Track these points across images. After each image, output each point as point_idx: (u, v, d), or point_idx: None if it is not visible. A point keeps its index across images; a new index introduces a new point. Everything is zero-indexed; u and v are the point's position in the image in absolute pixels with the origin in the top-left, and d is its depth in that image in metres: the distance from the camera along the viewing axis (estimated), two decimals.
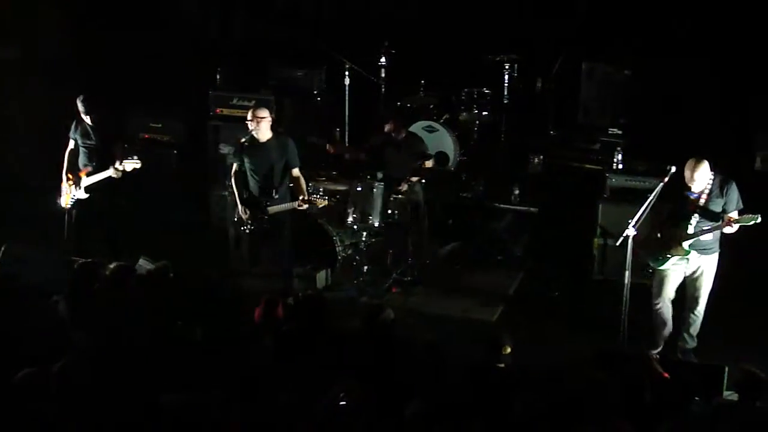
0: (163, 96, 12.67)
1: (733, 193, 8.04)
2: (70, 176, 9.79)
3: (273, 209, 9.05)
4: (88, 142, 9.75)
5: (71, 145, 9.88)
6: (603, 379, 6.15)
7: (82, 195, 9.75)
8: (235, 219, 9.35)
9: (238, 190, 9.24)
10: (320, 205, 9.02)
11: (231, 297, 9.23)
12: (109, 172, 9.52)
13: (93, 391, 5.89)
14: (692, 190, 7.98)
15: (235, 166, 9.29)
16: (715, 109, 11.59)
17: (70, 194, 9.78)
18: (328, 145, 11.12)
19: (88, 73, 12.53)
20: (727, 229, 7.92)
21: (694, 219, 8.04)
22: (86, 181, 9.69)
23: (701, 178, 7.93)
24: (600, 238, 9.90)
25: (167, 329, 7.03)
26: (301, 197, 8.94)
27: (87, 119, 9.68)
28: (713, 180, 8.00)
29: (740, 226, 7.87)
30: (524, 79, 12.62)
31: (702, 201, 8.02)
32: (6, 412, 5.71)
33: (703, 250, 8.15)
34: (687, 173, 7.93)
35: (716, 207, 8.03)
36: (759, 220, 7.77)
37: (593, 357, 7.33)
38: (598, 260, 9.98)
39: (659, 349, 8.45)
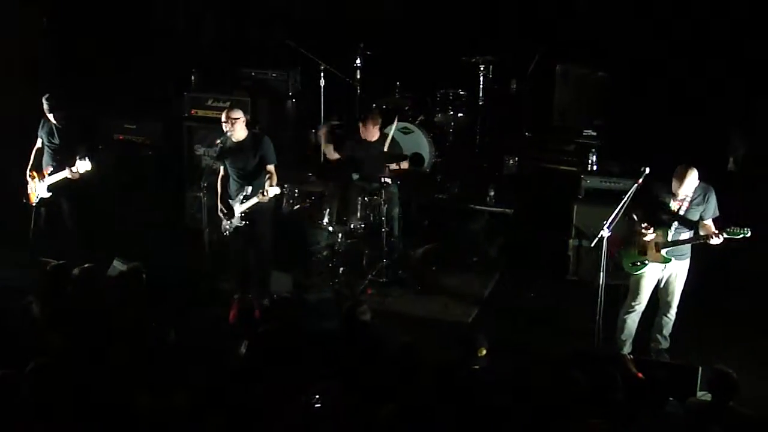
0: (138, 97, 12.62)
1: (712, 200, 8.04)
2: (33, 174, 9.88)
3: (239, 209, 9.02)
4: (53, 141, 9.84)
5: (38, 143, 9.96)
6: (578, 379, 6.18)
7: (44, 194, 9.81)
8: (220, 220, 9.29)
9: (221, 194, 9.20)
10: (272, 194, 8.91)
11: (206, 298, 9.23)
12: (65, 173, 9.60)
13: (66, 393, 5.86)
14: (678, 197, 7.97)
15: (222, 169, 9.26)
16: (688, 110, 11.65)
17: (35, 192, 9.83)
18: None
19: (63, 73, 12.48)
20: (713, 240, 7.89)
21: (673, 227, 8.06)
22: (48, 180, 9.74)
23: (689, 186, 7.91)
24: (575, 240, 9.94)
25: (140, 330, 6.98)
26: (261, 190, 8.92)
27: (51, 118, 9.72)
28: (695, 187, 8.00)
29: (725, 238, 7.83)
30: (499, 80, 12.63)
31: (683, 209, 8.03)
32: None
33: (679, 256, 8.18)
34: (676, 181, 7.90)
35: (695, 214, 8.03)
36: (749, 234, 7.76)
37: (568, 357, 7.36)
38: (572, 261, 10.02)
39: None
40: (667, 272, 8.25)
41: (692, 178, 7.89)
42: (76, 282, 7.41)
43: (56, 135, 9.81)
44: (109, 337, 6.80)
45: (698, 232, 8.02)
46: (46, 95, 9.77)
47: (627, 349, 8.39)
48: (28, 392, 5.75)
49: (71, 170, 9.55)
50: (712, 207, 8.05)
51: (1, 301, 7.42)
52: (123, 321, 7.09)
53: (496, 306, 9.74)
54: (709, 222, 8.02)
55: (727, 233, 7.80)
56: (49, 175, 9.76)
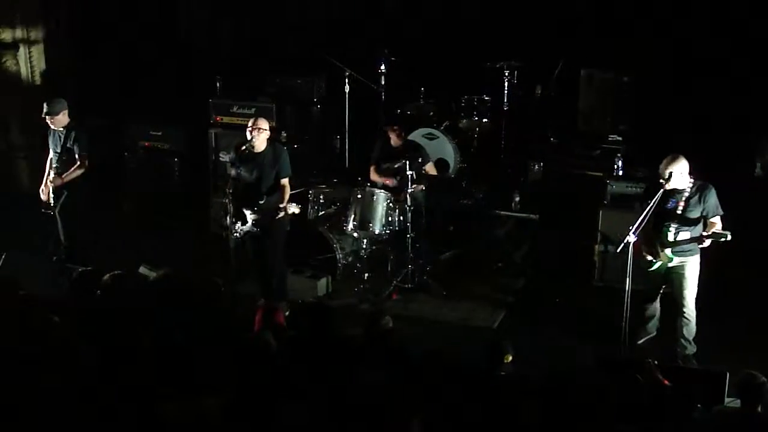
0: (163, 104, 12.70)
1: (711, 198, 8.06)
2: (48, 183, 9.95)
3: (252, 217, 9.03)
4: (55, 149, 9.92)
5: (50, 153, 10.03)
6: (604, 385, 6.15)
7: (53, 201, 9.89)
8: (228, 224, 9.31)
9: (231, 197, 9.20)
10: (290, 211, 8.94)
11: (231, 304, 9.24)
12: (57, 182, 9.78)
13: (91, 399, 5.90)
14: (666, 187, 7.95)
15: (233, 172, 9.26)
16: (714, 115, 11.60)
17: (50, 200, 9.94)
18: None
19: (89, 81, 12.58)
20: (702, 244, 7.96)
21: (674, 226, 8.08)
22: (52, 187, 9.84)
23: (675, 175, 7.94)
24: (600, 245, 9.90)
25: (167, 337, 7.01)
26: (281, 206, 8.92)
27: (49, 122, 9.78)
28: (692, 186, 8.04)
29: (712, 241, 7.87)
30: (524, 85, 12.63)
31: (680, 208, 8.05)
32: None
33: (682, 252, 8.20)
34: (661, 167, 7.96)
35: (694, 213, 8.06)
36: (729, 237, 7.76)
37: (594, 364, 7.33)
38: (598, 267, 9.98)
39: (642, 341, 8.63)
40: (674, 270, 8.28)
41: (677, 167, 7.93)
42: (106, 288, 7.43)
43: (58, 143, 9.91)
44: (134, 343, 6.82)
45: (702, 231, 7.99)
46: (47, 101, 9.89)
47: (652, 327, 8.60)
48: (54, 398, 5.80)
49: (62, 178, 9.72)
50: (712, 205, 8.06)
51: (30, 307, 7.43)
52: (148, 328, 7.10)
53: (522, 312, 9.72)
54: (715, 219, 8.03)
55: (708, 236, 7.84)
56: (52, 182, 9.89)
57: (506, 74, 12.45)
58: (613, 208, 9.89)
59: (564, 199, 11.39)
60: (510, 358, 6.72)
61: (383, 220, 9.94)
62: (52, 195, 9.86)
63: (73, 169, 9.72)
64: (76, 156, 9.77)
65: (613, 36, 12.28)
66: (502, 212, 11.42)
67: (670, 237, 8.10)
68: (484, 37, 12.65)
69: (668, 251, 8.15)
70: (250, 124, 9.01)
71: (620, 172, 10.51)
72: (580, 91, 12.61)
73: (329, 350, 6.78)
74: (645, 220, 7.90)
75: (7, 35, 12.44)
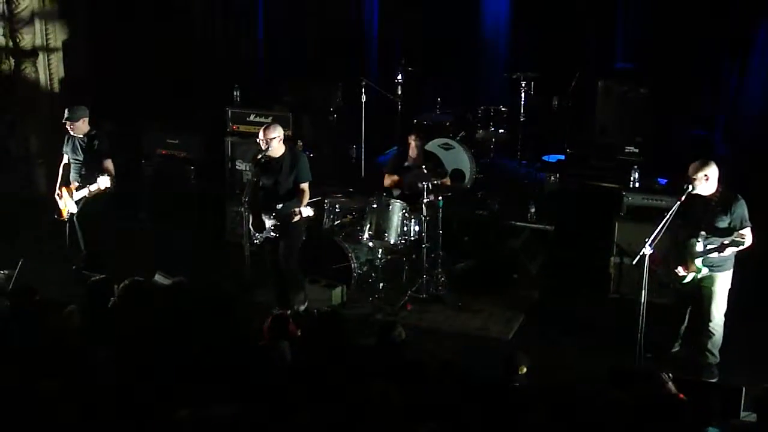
0: (180, 112, 12.74)
1: (739, 209, 8.02)
2: (62, 191, 10.02)
3: (270, 222, 9.07)
4: (76, 157, 9.95)
5: (65, 159, 10.10)
6: (619, 398, 6.12)
7: (73, 209, 9.91)
8: (245, 232, 9.33)
9: (247, 205, 9.24)
10: (305, 214, 8.99)
11: (246, 312, 9.24)
12: (84, 192, 9.78)
13: (108, 406, 5.91)
14: (693, 192, 7.97)
15: (252, 181, 9.29)
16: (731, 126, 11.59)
17: (65, 208, 9.97)
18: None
19: (106, 89, 12.63)
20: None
21: (702, 237, 8.01)
22: (75, 195, 9.87)
23: (701, 179, 7.96)
24: (616, 257, 9.88)
25: (183, 344, 7.02)
26: (295, 209, 8.98)
27: (69, 129, 9.82)
28: (719, 196, 8.02)
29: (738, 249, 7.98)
30: (541, 96, 12.62)
31: (707, 218, 8.01)
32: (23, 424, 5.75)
33: (712, 267, 8.14)
34: (690, 170, 7.99)
35: (722, 223, 8.02)
36: (746, 242, 7.89)
37: (608, 376, 7.30)
38: (614, 279, 9.96)
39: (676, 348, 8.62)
40: (704, 284, 8.23)
41: (705, 171, 7.96)
42: (122, 295, 7.45)
43: (80, 151, 9.94)
44: (149, 351, 6.83)
45: (727, 242, 7.95)
46: (68, 107, 9.95)
47: (675, 346, 8.59)
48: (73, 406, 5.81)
49: (89, 189, 9.71)
50: (740, 216, 8.03)
51: (44, 314, 7.46)
52: (165, 335, 7.12)
53: (537, 323, 9.69)
54: (744, 231, 7.98)
55: (728, 244, 7.88)
56: (76, 190, 9.89)
57: (523, 85, 12.44)
58: (629, 220, 9.88)
59: (580, 210, 11.36)
60: (525, 369, 6.71)
61: (399, 230, 9.93)
62: (71, 204, 9.90)
63: (101, 179, 9.70)
64: (103, 164, 9.81)
65: (628, 47, 12.28)
66: (517, 223, 11.37)
67: (699, 247, 8.01)
68: (502, 48, 12.66)
69: (698, 262, 8.05)
70: (260, 135, 9.06)
71: (636, 184, 10.47)
72: (597, 102, 12.58)
73: (342, 360, 6.78)
74: (661, 233, 7.89)
75: (26, 42, 12.51)
